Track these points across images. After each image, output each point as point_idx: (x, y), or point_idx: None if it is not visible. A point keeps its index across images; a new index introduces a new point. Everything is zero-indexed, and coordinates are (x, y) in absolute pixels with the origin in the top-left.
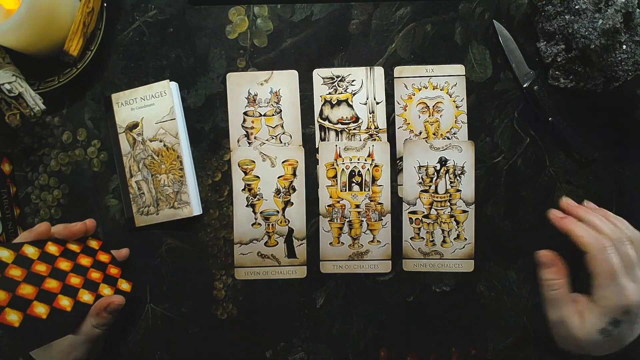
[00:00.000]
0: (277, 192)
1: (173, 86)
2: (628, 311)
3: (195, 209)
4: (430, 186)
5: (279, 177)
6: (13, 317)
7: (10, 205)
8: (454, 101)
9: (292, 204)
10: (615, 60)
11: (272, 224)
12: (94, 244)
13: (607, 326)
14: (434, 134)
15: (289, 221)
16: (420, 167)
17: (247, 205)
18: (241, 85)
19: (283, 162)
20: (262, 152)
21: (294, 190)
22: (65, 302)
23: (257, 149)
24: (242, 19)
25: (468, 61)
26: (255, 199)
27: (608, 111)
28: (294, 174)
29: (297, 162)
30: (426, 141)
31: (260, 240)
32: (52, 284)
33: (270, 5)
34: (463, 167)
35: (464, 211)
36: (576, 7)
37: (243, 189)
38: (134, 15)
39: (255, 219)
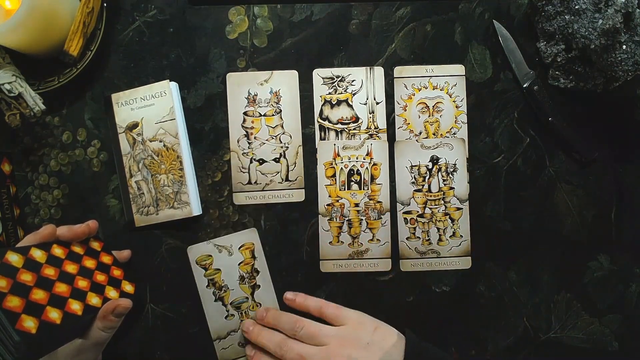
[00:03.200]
0: (242, 278)
1: (173, 86)
2: None
3: (195, 209)
4: (423, 185)
5: (239, 264)
6: (29, 323)
7: (10, 205)
8: (454, 101)
9: (259, 286)
10: (615, 60)
11: (245, 312)
12: (96, 245)
13: None
14: (434, 134)
15: (260, 304)
16: (412, 166)
17: (215, 300)
18: (241, 85)
19: (239, 248)
20: (216, 244)
21: (257, 272)
22: (76, 306)
23: (211, 243)
24: (242, 19)
25: (468, 61)
26: (222, 292)
27: (608, 111)
28: (253, 257)
29: (253, 244)
30: (417, 141)
31: (237, 330)
32: (62, 288)
33: (270, 5)
34: (455, 164)
35: (458, 208)
36: (576, 7)
37: (207, 285)
38: (134, 15)
39: (227, 310)
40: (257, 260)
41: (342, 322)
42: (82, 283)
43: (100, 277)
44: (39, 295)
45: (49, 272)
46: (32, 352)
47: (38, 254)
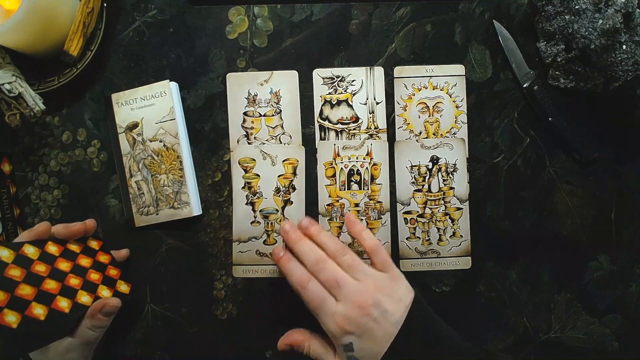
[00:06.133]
0: (277, 190)
1: (173, 86)
2: (349, 332)
3: (195, 209)
4: (423, 185)
5: (279, 176)
6: (11, 318)
7: (10, 205)
8: (454, 101)
9: (292, 202)
10: (615, 60)
11: (271, 223)
12: (94, 244)
13: (347, 353)
14: (434, 134)
15: (287, 220)
16: (412, 166)
17: (246, 204)
18: (241, 86)
19: (283, 161)
20: (262, 151)
21: (294, 189)
22: (63, 304)
23: (258, 148)
24: (242, 19)
25: (468, 61)
26: (255, 197)
27: (608, 111)
28: (294, 173)
29: (298, 161)
30: (417, 141)
31: (259, 238)
32: (51, 285)
33: (270, 5)
34: (455, 164)
35: (458, 208)
36: (576, 7)
37: (243, 187)
38: (134, 15)
39: (255, 217)
40: (297, 178)
41: (385, 270)
42: (73, 281)
43: (94, 276)
44: (25, 290)
45: (40, 268)
46: (13, 348)
47: (31, 251)
